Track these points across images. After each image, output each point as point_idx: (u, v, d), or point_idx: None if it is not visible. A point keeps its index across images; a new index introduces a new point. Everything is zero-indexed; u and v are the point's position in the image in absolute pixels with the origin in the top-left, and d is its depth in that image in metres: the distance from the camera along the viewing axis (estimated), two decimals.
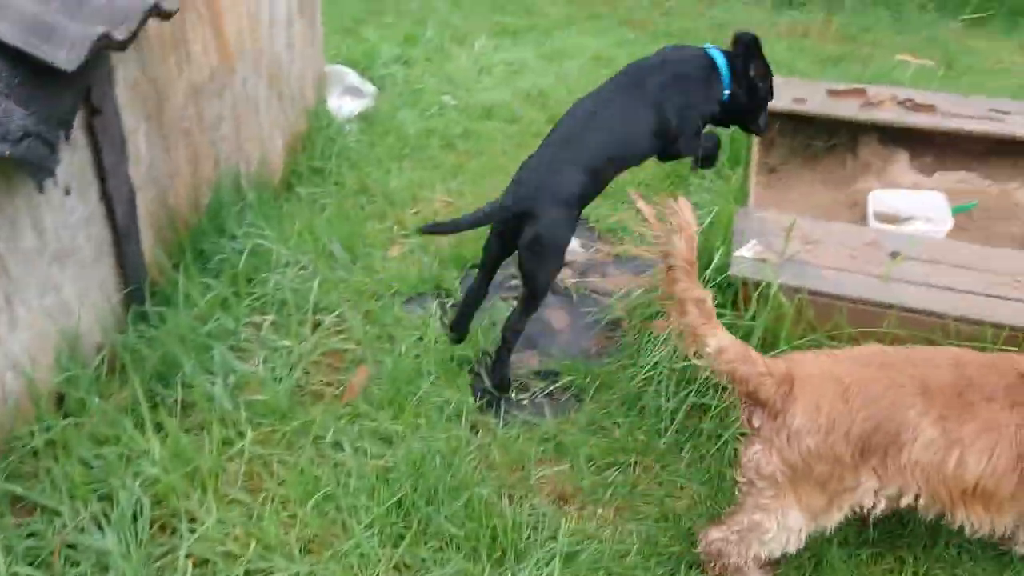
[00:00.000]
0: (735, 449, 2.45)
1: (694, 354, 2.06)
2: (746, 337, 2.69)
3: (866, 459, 1.89)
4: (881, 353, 2.07)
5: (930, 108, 3.87)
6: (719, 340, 1.98)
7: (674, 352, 2.72)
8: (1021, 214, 3.68)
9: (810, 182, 4.08)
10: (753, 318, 2.66)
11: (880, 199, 3.80)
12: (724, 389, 2.59)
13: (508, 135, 4.57)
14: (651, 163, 3.19)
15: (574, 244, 3.64)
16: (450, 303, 3.22)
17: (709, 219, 2.86)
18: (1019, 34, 6.14)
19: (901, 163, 3.98)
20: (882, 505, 1.99)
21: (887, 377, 1.92)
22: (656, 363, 2.76)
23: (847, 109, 3.92)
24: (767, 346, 2.69)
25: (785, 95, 3.99)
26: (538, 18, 6.40)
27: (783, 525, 1.99)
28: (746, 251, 2.80)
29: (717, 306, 2.66)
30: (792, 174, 4.13)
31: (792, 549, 2.06)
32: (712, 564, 2.17)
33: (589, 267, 3.55)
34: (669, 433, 2.67)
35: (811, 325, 2.66)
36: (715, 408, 2.68)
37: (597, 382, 2.91)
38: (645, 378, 2.80)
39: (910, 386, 1.89)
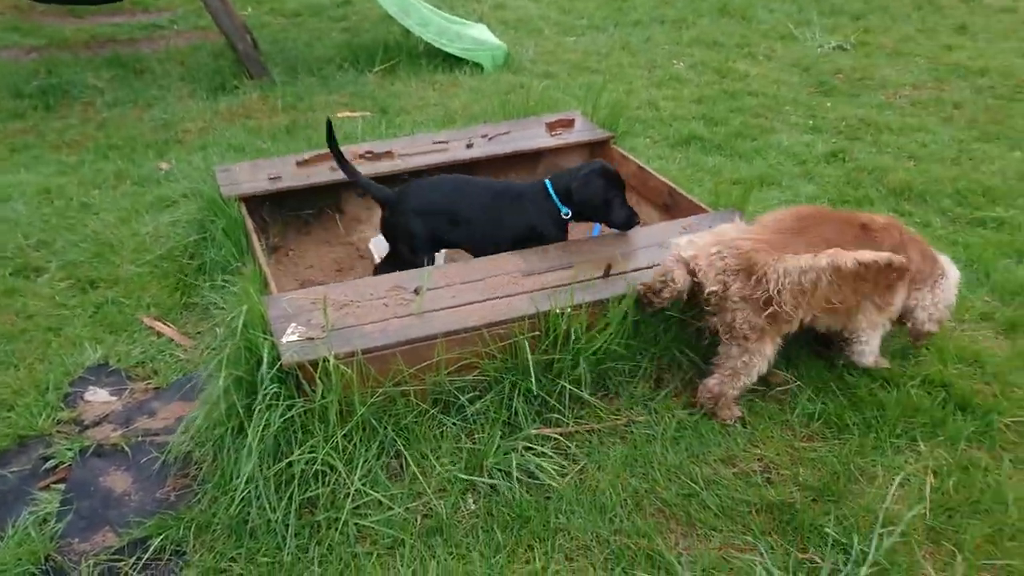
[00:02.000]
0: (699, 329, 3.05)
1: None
2: (323, 414, 2.71)
3: (804, 300, 2.86)
4: (791, 222, 3.02)
5: (389, 154, 4.29)
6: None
7: (261, 455, 2.61)
8: None
9: (315, 248, 4.23)
10: (324, 396, 2.68)
11: (379, 244, 4.11)
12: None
13: None
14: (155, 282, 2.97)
15: (104, 394, 3.26)
16: None
17: (241, 319, 2.78)
18: (423, 73, 7.12)
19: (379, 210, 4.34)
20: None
21: (804, 241, 2.92)
22: (249, 477, 2.62)
23: (320, 175, 4.15)
24: (346, 416, 2.74)
25: (260, 176, 4.07)
26: None
27: (764, 356, 2.96)
28: (290, 336, 2.80)
29: (285, 397, 2.65)
30: (296, 246, 4.23)
31: (764, 372, 3.02)
32: (712, 403, 3.01)
33: (131, 413, 3.20)
34: (289, 543, 2.56)
35: (377, 380, 2.78)
36: (323, 497, 2.65)
37: (192, 526, 2.65)
38: (242, 498, 2.64)
39: (822, 245, 2.89)
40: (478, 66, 7.32)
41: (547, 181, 3.52)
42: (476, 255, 3.51)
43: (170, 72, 7.14)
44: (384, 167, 4.19)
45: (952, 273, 3.24)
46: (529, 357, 2.88)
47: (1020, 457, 2.89)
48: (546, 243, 3.48)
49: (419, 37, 7.27)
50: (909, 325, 3.19)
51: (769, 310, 2.86)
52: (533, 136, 4.55)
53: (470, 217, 3.50)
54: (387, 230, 3.59)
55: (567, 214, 3.46)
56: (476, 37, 7.37)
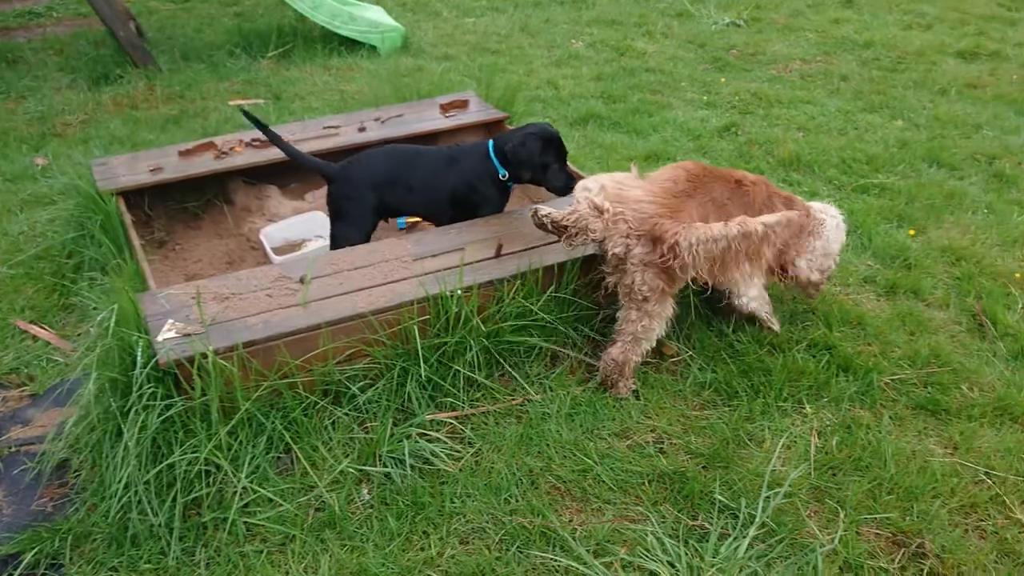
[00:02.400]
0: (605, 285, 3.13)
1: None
2: (205, 413, 2.61)
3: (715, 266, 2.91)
4: (684, 183, 3.06)
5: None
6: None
7: (140, 458, 2.50)
8: None
9: (205, 241, 4.08)
10: (204, 393, 2.58)
11: (270, 235, 3.99)
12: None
13: None
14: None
15: None
16: None
17: (113, 319, 2.65)
18: (319, 58, 6.95)
19: (274, 197, 4.22)
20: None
21: (702, 203, 3.02)
22: (127, 482, 2.50)
23: (204, 164, 3.99)
24: (230, 412, 2.65)
25: (139, 168, 3.90)
26: None
27: (663, 318, 3.04)
28: (166, 334, 2.68)
29: (162, 397, 2.54)
30: (183, 240, 4.08)
31: (662, 334, 3.10)
32: (617, 373, 3.02)
33: (3, 423, 3.03)
34: (173, 548, 2.46)
35: (261, 374, 2.69)
36: (208, 497, 2.56)
37: (69, 537, 2.52)
38: (122, 504, 2.52)
39: (706, 204, 3.03)
40: (375, 49, 7.18)
41: (490, 141, 3.47)
42: (437, 223, 3.53)
43: (46, 62, 6.78)
44: (273, 154, 4.06)
45: (831, 220, 3.36)
46: (419, 342, 2.84)
47: (899, 413, 3.01)
48: (485, 206, 3.46)
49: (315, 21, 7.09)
50: (793, 276, 3.29)
51: (667, 271, 2.91)
52: (427, 118, 4.48)
53: (420, 183, 3.45)
54: (333, 204, 3.47)
55: (504, 176, 3.42)
56: (371, 19, 7.23)
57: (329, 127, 4.33)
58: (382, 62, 7.01)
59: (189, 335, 2.67)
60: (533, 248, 3.21)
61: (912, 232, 4.22)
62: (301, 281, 2.97)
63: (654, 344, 3.08)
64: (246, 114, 3.50)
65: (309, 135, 4.25)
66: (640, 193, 3.02)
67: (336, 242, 3.48)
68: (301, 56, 6.98)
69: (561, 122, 5.73)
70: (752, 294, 3.28)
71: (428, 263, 3.10)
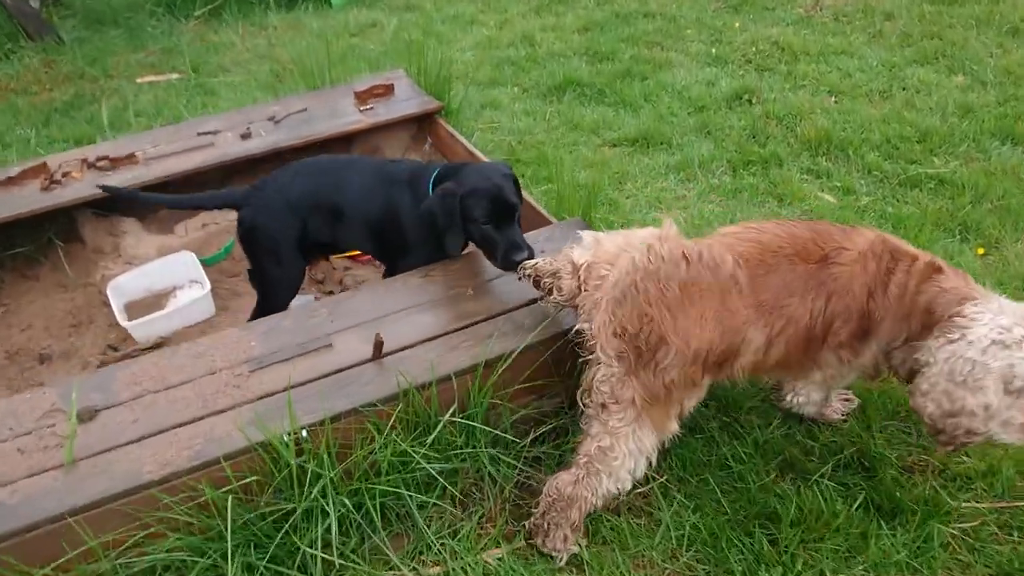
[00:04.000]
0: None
1: None
2: None
3: (714, 372, 2.02)
4: (708, 280, 1.97)
5: (131, 159, 3.17)
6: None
7: None
8: None
9: (42, 297, 3.14)
10: None
11: (123, 286, 3.05)
12: None
13: None
14: None
15: None
16: None
17: None
18: (255, 16, 5.87)
19: (132, 233, 3.25)
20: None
21: (735, 304, 1.95)
22: None
23: (31, 198, 3.03)
24: None
25: None
26: None
27: (638, 448, 2.00)
28: None
29: None
30: (12, 298, 3.14)
31: (640, 475, 2.05)
32: (561, 512, 2.04)
33: None
34: None
35: None
36: None
37: None
38: None
39: (749, 307, 1.97)
40: (326, 1, 6.07)
41: (436, 170, 2.57)
42: (380, 260, 2.81)
43: None
44: (122, 178, 3.07)
45: (981, 331, 1.86)
46: (238, 517, 1.90)
47: None
48: (409, 255, 2.60)
49: None
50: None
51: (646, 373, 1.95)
52: (338, 113, 3.45)
53: (352, 206, 2.60)
54: (247, 241, 2.67)
55: None
56: None
57: (205, 133, 3.31)
58: (332, 16, 5.91)
59: None
60: (432, 340, 2.22)
61: (980, 251, 3.13)
62: (78, 421, 2.02)
63: (623, 485, 2.07)
64: (106, 188, 2.64)
65: (175, 147, 3.24)
66: (652, 270, 2.00)
67: (262, 292, 2.72)
68: (234, 14, 5.90)
69: (533, 92, 4.63)
70: (812, 395, 2.34)
71: (272, 376, 2.13)
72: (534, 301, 2.35)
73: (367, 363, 2.16)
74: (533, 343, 2.20)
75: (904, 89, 4.38)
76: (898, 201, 3.48)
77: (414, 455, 1.99)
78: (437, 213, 2.41)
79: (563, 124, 4.25)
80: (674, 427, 2.05)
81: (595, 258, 2.12)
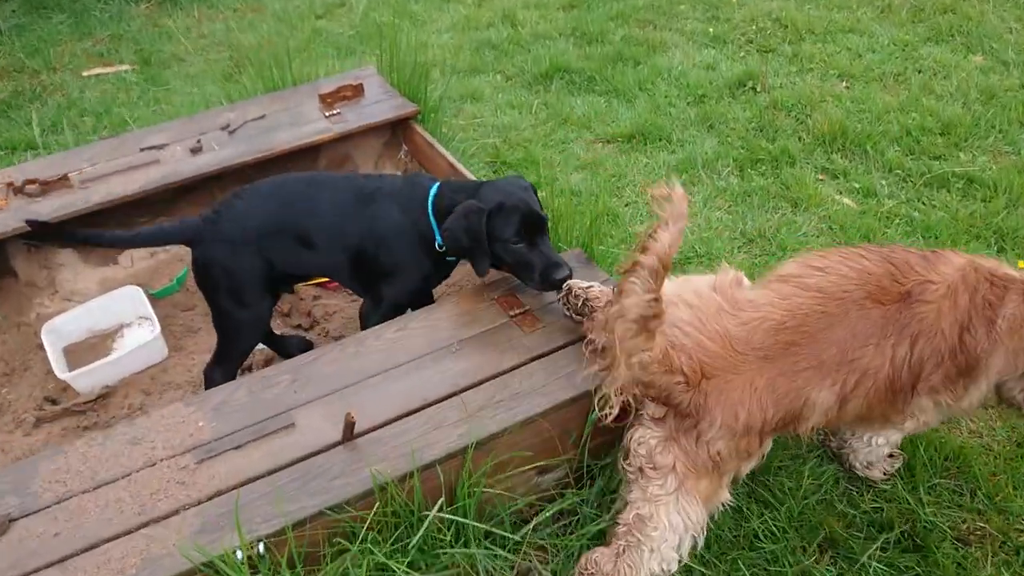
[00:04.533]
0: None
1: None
2: None
3: (775, 434, 1.78)
4: (778, 331, 1.69)
5: (64, 181, 2.78)
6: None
7: None
8: None
9: None
10: None
11: (60, 330, 2.69)
12: None
13: None
14: None
15: None
16: None
17: None
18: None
19: (71, 264, 2.87)
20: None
21: (792, 367, 1.67)
22: None
23: None
24: None
25: None
26: None
27: (683, 520, 1.71)
28: None
29: None
30: None
31: (686, 553, 1.76)
32: None
33: None
34: None
35: None
36: None
37: None
38: None
39: (809, 367, 1.68)
40: None
41: (434, 187, 2.23)
42: (357, 293, 2.44)
43: None
44: (54, 205, 2.69)
45: None
46: None
47: None
48: (398, 282, 2.28)
49: None
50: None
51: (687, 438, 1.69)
52: (299, 119, 3.06)
53: (322, 231, 2.26)
54: (203, 278, 2.31)
55: (443, 246, 2.19)
56: None
57: (149, 148, 2.92)
58: None
59: None
60: (417, 412, 1.89)
61: (1022, 263, 2.81)
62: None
63: (668, 566, 1.77)
64: (32, 224, 2.35)
65: (118, 165, 2.85)
66: (688, 315, 1.73)
67: (223, 337, 2.36)
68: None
69: (516, 82, 4.24)
70: (881, 449, 2.07)
71: (224, 468, 1.79)
72: (534, 359, 2.01)
73: (336, 447, 1.82)
74: (534, 415, 1.86)
75: (920, 72, 4.03)
76: (924, 205, 3.16)
77: (395, 569, 1.66)
78: (460, 235, 2.11)
79: (551, 118, 3.88)
80: (725, 496, 1.78)
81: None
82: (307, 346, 2.68)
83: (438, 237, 2.19)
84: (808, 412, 1.72)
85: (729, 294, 1.75)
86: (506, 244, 2.10)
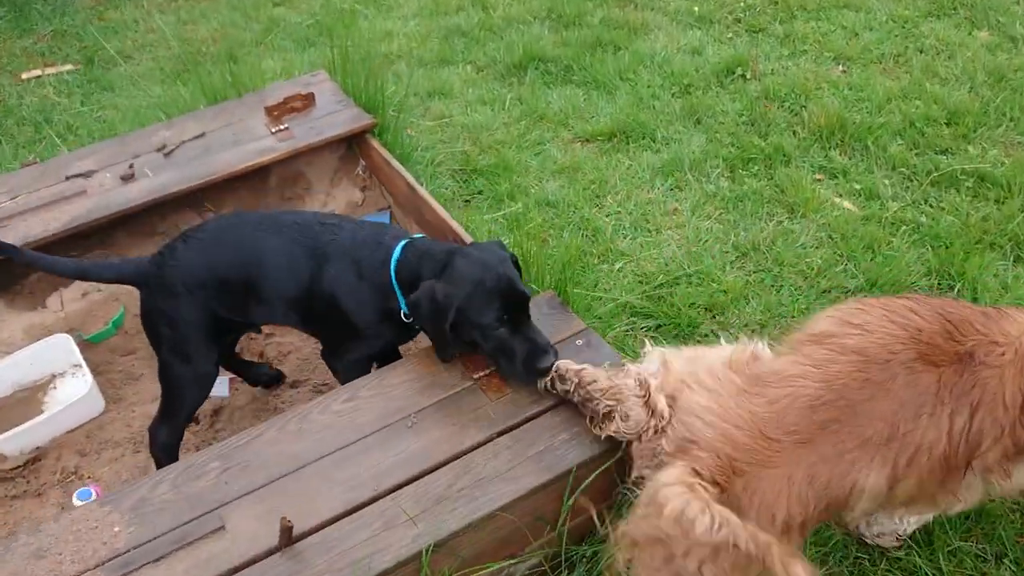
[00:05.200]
0: None
1: None
2: None
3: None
4: (815, 409, 1.46)
5: None
6: None
7: None
8: None
9: None
10: None
11: None
12: None
13: None
14: None
15: None
16: None
17: None
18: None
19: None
20: None
21: (833, 450, 1.44)
22: None
23: None
24: None
25: None
26: None
27: None
28: None
29: None
30: None
31: None
32: None
33: None
34: None
35: None
36: None
37: None
38: None
39: (854, 448, 1.45)
40: None
41: (398, 248, 1.94)
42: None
43: None
44: None
45: None
46: None
47: None
48: (357, 347, 2.05)
49: None
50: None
51: None
52: (243, 137, 2.77)
53: (271, 279, 2.02)
54: (145, 326, 2.14)
55: (408, 315, 1.92)
56: None
57: (75, 176, 2.63)
58: None
59: None
60: (384, 496, 1.65)
61: None
62: None
63: None
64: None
65: (41, 197, 2.57)
66: (707, 400, 1.50)
67: (167, 392, 2.13)
68: None
69: (487, 74, 3.93)
70: (899, 527, 1.87)
71: None
72: (500, 433, 1.76)
73: (273, 555, 1.57)
74: (499, 508, 1.62)
75: (922, 51, 3.74)
76: (932, 207, 2.90)
77: None
78: (427, 316, 1.83)
79: (526, 115, 3.59)
80: None
81: (664, 387, 1.59)
82: (277, 378, 2.47)
83: (403, 306, 1.92)
84: (855, 500, 1.50)
85: (747, 374, 1.50)
86: (485, 330, 1.81)
